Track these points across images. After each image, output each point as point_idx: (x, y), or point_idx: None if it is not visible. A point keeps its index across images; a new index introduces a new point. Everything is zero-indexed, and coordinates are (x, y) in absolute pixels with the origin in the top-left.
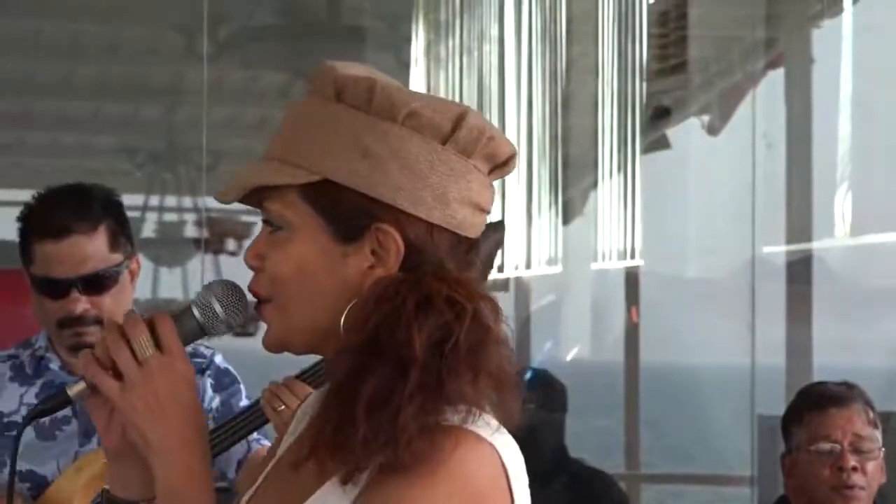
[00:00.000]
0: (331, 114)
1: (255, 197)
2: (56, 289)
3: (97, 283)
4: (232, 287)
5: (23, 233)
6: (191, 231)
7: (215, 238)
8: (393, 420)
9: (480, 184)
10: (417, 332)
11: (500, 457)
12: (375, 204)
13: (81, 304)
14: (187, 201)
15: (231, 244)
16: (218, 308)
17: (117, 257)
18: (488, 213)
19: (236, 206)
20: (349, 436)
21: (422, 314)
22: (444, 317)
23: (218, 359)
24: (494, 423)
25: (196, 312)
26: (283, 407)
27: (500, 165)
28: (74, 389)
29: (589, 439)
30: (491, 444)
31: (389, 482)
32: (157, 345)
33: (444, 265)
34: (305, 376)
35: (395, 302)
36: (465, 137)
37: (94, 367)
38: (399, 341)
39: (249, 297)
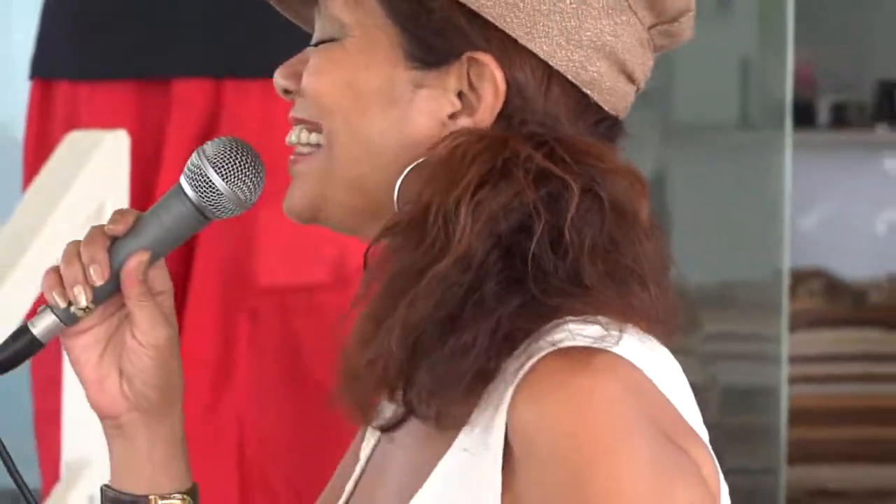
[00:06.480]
0: None
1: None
2: None
3: None
4: (233, 145)
5: None
6: None
7: None
8: (430, 355)
9: (633, 37)
10: (470, 213)
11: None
12: (476, 21)
13: None
14: None
15: None
16: (215, 178)
17: None
18: (637, 87)
19: None
20: (391, 373)
21: (487, 186)
22: (519, 191)
23: None
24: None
25: (188, 190)
26: None
27: (667, 21)
28: (41, 324)
29: None
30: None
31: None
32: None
33: (557, 126)
34: None
35: (458, 167)
36: None
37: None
38: (446, 228)
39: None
